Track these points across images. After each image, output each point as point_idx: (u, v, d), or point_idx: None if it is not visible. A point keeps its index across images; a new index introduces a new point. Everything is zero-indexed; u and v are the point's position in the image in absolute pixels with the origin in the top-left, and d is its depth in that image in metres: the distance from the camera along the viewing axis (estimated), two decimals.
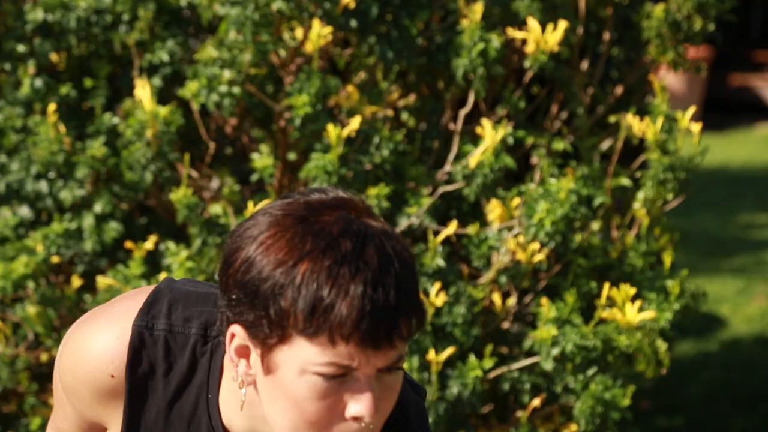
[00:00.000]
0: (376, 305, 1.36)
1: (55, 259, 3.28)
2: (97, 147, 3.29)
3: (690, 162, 3.19)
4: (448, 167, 3.36)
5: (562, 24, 3.25)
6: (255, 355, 1.43)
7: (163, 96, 3.42)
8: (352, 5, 3.21)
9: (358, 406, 1.40)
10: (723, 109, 11.57)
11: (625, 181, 3.40)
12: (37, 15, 3.39)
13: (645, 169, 3.37)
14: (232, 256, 1.43)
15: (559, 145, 3.45)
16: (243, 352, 1.44)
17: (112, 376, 1.53)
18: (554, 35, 3.23)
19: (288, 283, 1.37)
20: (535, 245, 3.18)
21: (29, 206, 3.43)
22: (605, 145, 3.57)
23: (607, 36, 3.58)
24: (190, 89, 3.18)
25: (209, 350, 1.52)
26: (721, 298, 5.85)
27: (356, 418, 1.40)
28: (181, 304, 1.55)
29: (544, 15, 3.34)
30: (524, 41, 3.33)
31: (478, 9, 3.25)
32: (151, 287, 1.59)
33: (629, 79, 3.67)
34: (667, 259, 3.25)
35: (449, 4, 3.44)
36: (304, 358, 1.39)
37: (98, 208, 3.30)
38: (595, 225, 3.36)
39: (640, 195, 3.27)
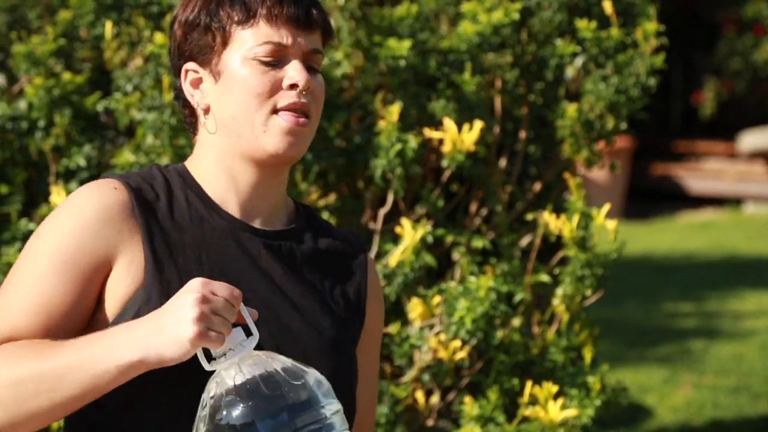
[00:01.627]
0: None
1: None
2: (12, 253, 3.25)
3: (607, 258, 3.23)
4: None
5: (478, 124, 3.29)
6: (206, 78, 1.77)
7: None
8: None
9: (292, 73, 1.73)
10: (646, 198, 11.75)
11: (545, 278, 3.43)
12: None
13: (563, 266, 3.40)
14: (170, 35, 1.81)
15: (479, 242, 3.47)
16: (196, 83, 1.77)
17: (115, 188, 1.71)
18: (470, 135, 3.27)
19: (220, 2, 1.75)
20: (457, 343, 3.18)
21: None
22: (524, 241, 3.60)
23: (523, 134, 3.63)
24: None
25: (170, 167, 1.79)
26: (646, 387, 5.88)
27: (292, 86, 1.73)
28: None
29: (460, 115, 3.39)
30: (441, 141, 3.37)
31: (395, 110, 3.28)
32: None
33: (547, 176, 3.71)
34: (587, 354, 3.27)
35: (367, 105, 3.48)
36: (244, 48, 1.74)
37: None
38: (516, 321, 3.37)
39: (559, 291, 3.29)
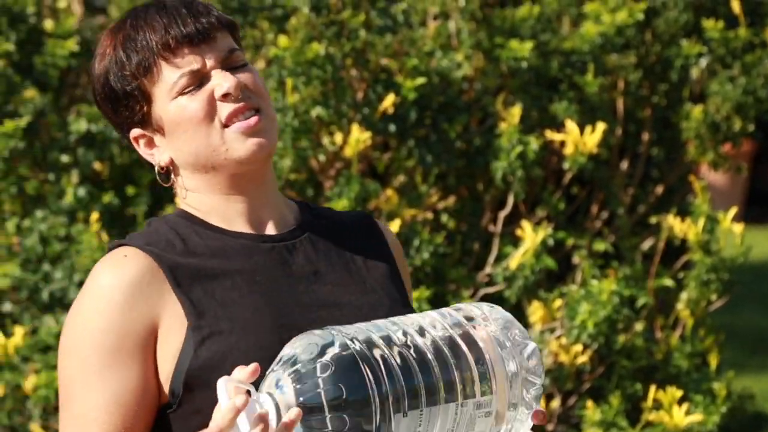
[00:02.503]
0: (172, 14, 1.71)
1: None
2: None
3: (733, 262, 3.17)
4: (488, 269, 3.35)
5: (600, 126, 3.26)
6: (154, 136, 1.74)
7: None
8: (391, 110, 3.24)
9: (218, 84, 1.69)
10: (766, 203, 11.50)
11: (668, 282, 3.38)
12: (81, 126, 3.45)
13: (688, 270, 3.35)
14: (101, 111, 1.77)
15: (600, 245, 3.44)
16: (150, 143, 1.75)
17: (126, 256, 1.67)
18: (593, 137, 3.24)
19: (114, 62, 1.72)
20: (578, 347, 3.16)
21: None
22: (647, 245, 3.56)
23: (646, 136, 3.59)
24: None
25: (166, 216, 1.76)
26: None
27: (225, 96, 1.69)
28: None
29: (582, 117, 3.36)
30: (563, 143, 3.35)
31: (516, 112, 3.27)
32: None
33: (670, 179, 3.66)
34: (713, 360, 3.21)
35: (487, 107, 3.47)
36: (165, 92, 1.70)
37: None
38: (639, 326, 3.33)
39: (684, 296, 3.25)
